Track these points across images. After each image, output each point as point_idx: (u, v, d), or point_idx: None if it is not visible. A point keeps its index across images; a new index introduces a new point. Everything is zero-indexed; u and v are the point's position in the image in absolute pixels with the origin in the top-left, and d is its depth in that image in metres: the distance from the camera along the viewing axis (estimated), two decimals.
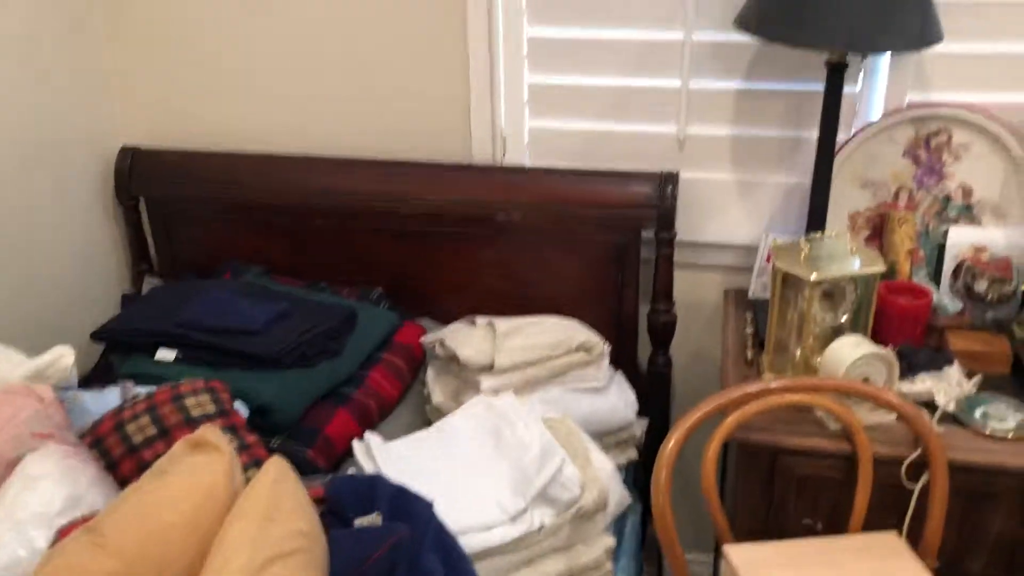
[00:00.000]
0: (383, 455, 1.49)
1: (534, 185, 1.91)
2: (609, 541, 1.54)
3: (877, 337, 1.64)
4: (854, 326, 1.57)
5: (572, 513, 1.45)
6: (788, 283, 1.53)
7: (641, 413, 1.90)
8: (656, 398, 1.99)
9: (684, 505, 2.19)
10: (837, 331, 1.56)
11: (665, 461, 1.39)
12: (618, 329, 1.97)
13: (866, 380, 1.47)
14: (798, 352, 1.56)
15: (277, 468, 1.15)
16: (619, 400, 1.79)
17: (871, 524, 1.47)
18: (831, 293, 1.53)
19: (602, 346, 1.75)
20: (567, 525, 1.47)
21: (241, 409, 1.51)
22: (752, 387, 1.44)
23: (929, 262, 1.80)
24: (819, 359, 1.51)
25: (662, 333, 1.96)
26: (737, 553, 1.34)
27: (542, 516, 1.44)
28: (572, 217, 1.90)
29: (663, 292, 1.93)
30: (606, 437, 1.79)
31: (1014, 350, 1.62)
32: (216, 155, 2.09)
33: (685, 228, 1.95)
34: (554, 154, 1.96)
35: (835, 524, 1.49)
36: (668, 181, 1.86)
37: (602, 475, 1.54)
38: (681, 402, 2.11)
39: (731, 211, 1.93)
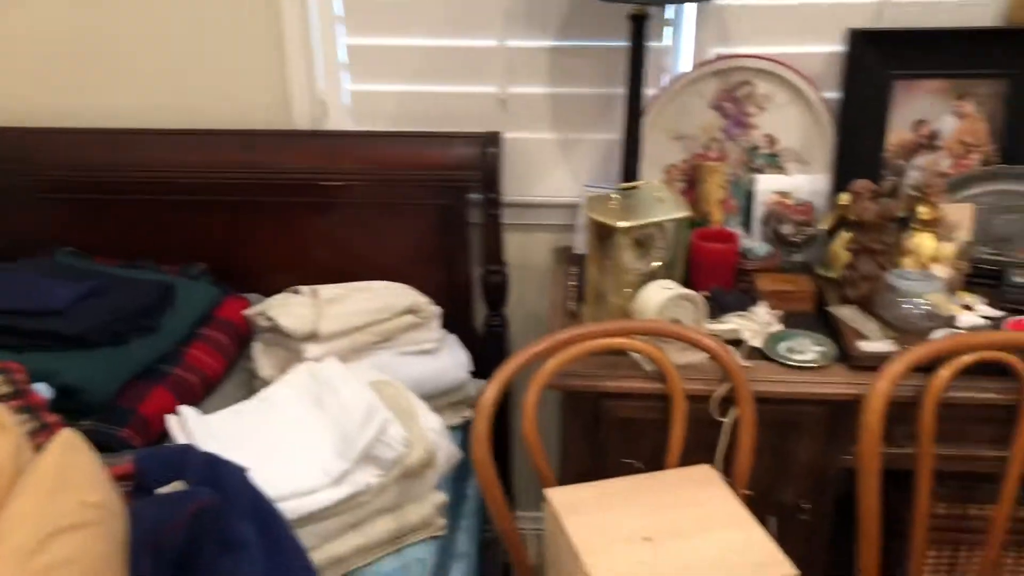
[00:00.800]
0: (199, 428, 1.44)
1: (357, 150, 1.89)
2: (440, 498, 1.55)
3: (691, 283, 1.71)
4: (668, 273, 1.62)
5: (398, 471, 1.45)
6: (601, 233, 1.57)
7: (479, 374, 1.91)
8: (492, 359, 2.00)
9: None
10: (651, 278, 1.60)
11: (484, 411, 1.40)
12: (451, 292, 1.97)
13: (676, 321, 1.52)
14: (615, 300, 1.60)
15: (65, 442, 1.10)
16: (451, 361, 1.79)
17: (689, 460, 1.53)
18: (642, 240, 1.58)
19: (431, 308, 1.75)
20: (394, 485, 1.46)
21: (42, 390, 1.43)
22: (566, 334, 1.46)
23: (741, 210, 1.88)
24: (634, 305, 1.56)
25: (495, 294, 1.97)
26: (557, 495, 1.36)
27: (367, 477, 1.43)
28: (398, 182, 1.88)
29: (493, 253, 1.94)
30: (440, 398, 1.79)
31: (817, 288, 1.71)
32: (21, 131, 1.96)
33: (513, 189, 1.97)
34: (377, 118, 1.94)
35: (656, 463, 1.54)
36: (491, 141, 1.87)
37: (430, 433, 1.53)
38: None
39: (555, 170, 1.96)
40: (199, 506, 1.10)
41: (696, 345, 1.49)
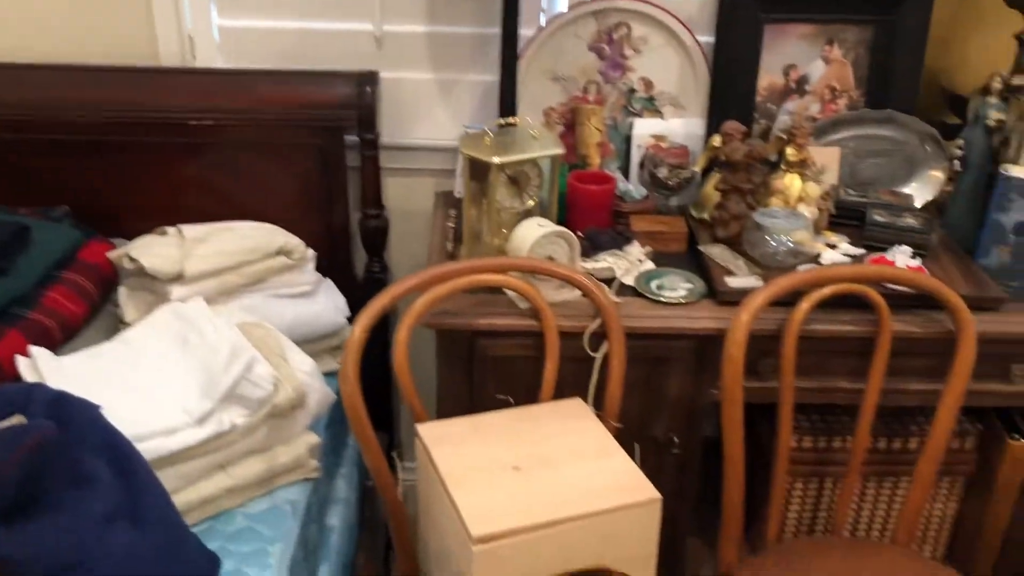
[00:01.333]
0: (52, 369, 1.38)
1: (227, 88, 1.82)
2: (312, 439, 1.52)
3: (568, 223, 1.71)
4: (542, 212, 1.62)
5: (266, 411, 1.42)
6: (476, 170, 1.56)
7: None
8: None
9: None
10: (526, 216, 1.60)
11: (351, 348, 1.38)
12: (331, 237, 1.93)
13: (550, 259, 1.52)
14: (491, 240, 1.59)
15: None
16: (327, 306, 1.76)
17: (563, 396, 1.54)
18: (517, 178, 1.57)
19: (303, 249, 1.71)
20: (263, 425, 1.43)
21: None
22: (439, 269, 1.45)
23: (620, 154, 1.90)
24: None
25: (374, 239, 1.94)
26: (427, 430, 1.36)
27: (233, 417, 1.39)
28: (271, 122, 1.82)
29: (372, 197, 1.91)
30: (317, 343, 1.76)
31: (690, 229, 1.74)
32: None
33: (392, 131, 1.94)
34: (250, 56, 1.87)
35: (531, 399, 1.55)
36: (367, 80, 1.83)
37: (300, 375, 1.50)
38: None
39: (435, 112, 1.93)
40: (38, 440, 1.05)
41: (569, 282, 1.50)
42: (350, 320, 1.83)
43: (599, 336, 1.50)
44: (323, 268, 1.84)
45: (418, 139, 1.95)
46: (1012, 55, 1.69)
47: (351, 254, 1.98)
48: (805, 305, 1.47)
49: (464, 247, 1.64)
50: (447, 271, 1.45)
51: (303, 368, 1.53)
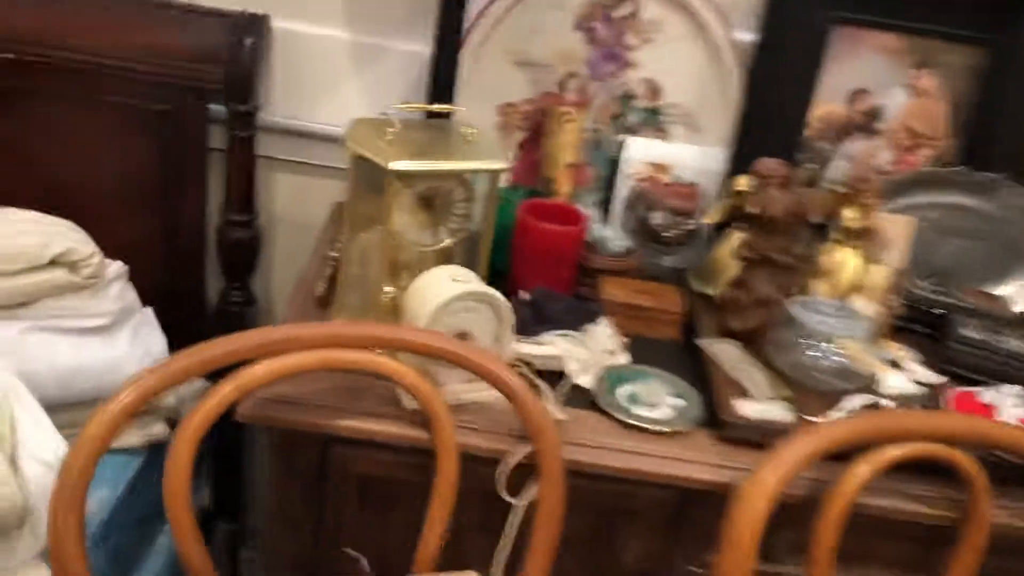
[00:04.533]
0: None
1: (36, 8, 1.23)
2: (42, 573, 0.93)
3: (510, 277, 1.15)
4: (467, 254, 1.05)
5: None
6: (368, 176, 0.98)
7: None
8: None
9: None
10: (442, 260, 1.03)
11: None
12: (170, 246, 1.35)
13: (463, 335, 0.95)
14: (382, 289, 1.02)
15: None
16: (133, 348, 1.17)
17: (459, 553, 0.97)
18: (430, 199, 1.00)
19: (98, 263, 1.12)
20: None
21: None
22: (272, 334, 0.86)
23: (600, 183, 1.33)
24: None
25: (237, 256, 1.36)
26: None
27: None
28: (92, 67, 1.23)
29: (239, 196, 1.33)
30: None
31: (689, 309, 1.18)
32: None
33: (286, 106, 1.36)
34: None
35: (408, 551, 0.96)
36: (248, 27, 1.25)
37: (31, 469, 0.92)
38: None
39: (349, 87, 1.35)
40: None
41: (485, 378, 0.92)
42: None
43: (526, 469, 0.93)
44: (156, 291, 1.26)
45: (320, 123, 1.37)
46: None
47: (203, 272, 1.39)
48: (864, 470, 0.90)
49: (338, 295, 1.06)
50: (286, 338, 0.87)
51: (41, 456, 0.94)
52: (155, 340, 1.20)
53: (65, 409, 1.08)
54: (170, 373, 0.83)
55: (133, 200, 1.31)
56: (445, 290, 0.93)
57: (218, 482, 1.50)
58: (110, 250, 1.21)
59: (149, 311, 1.23)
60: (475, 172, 0.97)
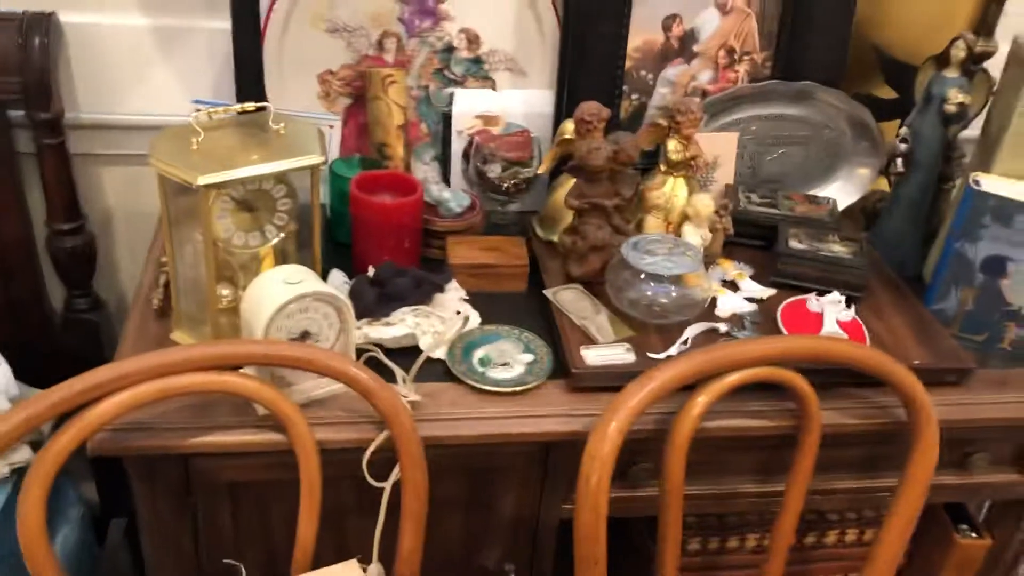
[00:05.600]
0: None
1: None
2: None
3: (355, 254, 1.15)
4: (300, 245, 1.04)
5: None
6: (181, 187, 0.95)
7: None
8: (81, 358, 1.35)
9: None
10: (276, 256, 1.02)
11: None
12: (3, 263, 1.29)
13: (305, 335, 0.95)
14: (217, 297, 1.00)
15: None
16: None
17: (346, 537, 1.01)
18: (250, 202, 0.98)
19: None
20: None
21: None
22: (102, 375, 0.85)
23: (435, 139, 1.32)
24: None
25: (72, 265, 1.31)
26: None
27: None
28: None
29: (61, 203, 1.27)
30: None
31: (533, 258, 1.20)
32: None
33: (96, 101, 1.30)
34: None
35: (289, 543, 0.99)
36: (36, 27, 1.17)
37: None
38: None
39: (158, 72, 1.29)
40: None
41: (331, 376, 0.93)
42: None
43: (389, 454, 0.95)
44: None
45: (136, 113, 1.31)
46: (975, 6, 1.21)
47: (41, 286, 1.34)
48: (701, 400, 0.96)
49: (174, 304, 1.04)
50: (116, 376, 0.85)
51: None
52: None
53: None
54: (13, 428, 0.82)
55: None
56: (278, 295, 0.92)
57: (101, 481, 1.49)
58: None
59: None
60: (292, 171, 0.95)
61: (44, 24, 1.18)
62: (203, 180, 0.90)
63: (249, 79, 1.16)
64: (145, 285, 1.12)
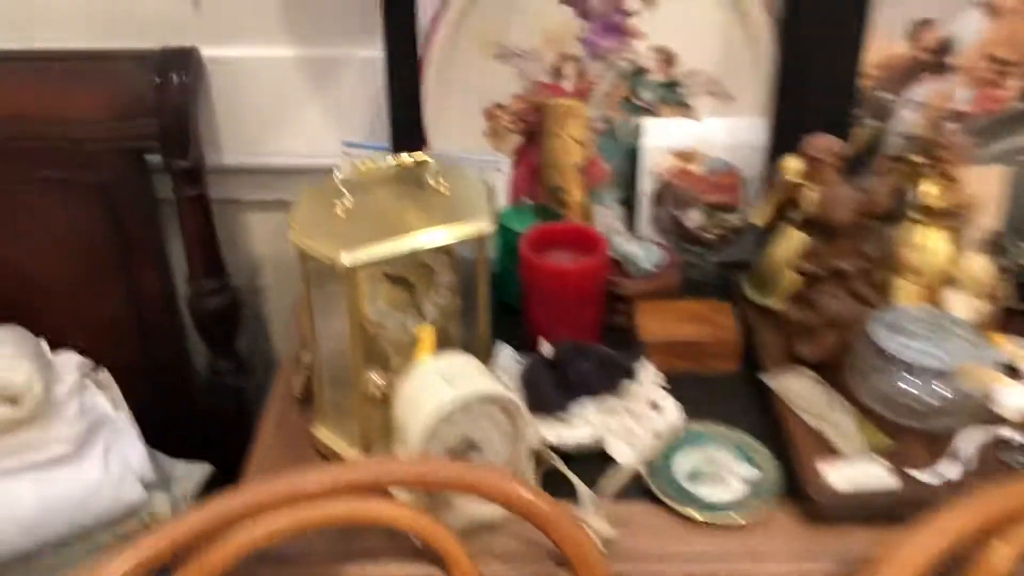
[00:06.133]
0: None
1: None
2: None
3: (527, 323, 0.95)
4: (468, 327, 0.85)
5: None
6: (319, 267, 0.78)
7: (208, 452, 1.14)
8: (225, 423, 1.23)
9: None
10: (433, 347, 0.84)
11: None
12: (141, 322, 1.17)
13: (471, 447, 0.76)
14: (367, 389, 0.83)
15: None
16: (108, 471, 1.00)
17: None
18: (405, 277, 0.80)
19: (39, 387, 0.95)
20: None
21: None
22: (222, 505, 0.69)
23: (620, 179, 1.11)
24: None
25: (215, 325, 1.18)
26: None
27: None
28: (18, 148, 1.05)
29: (202, 260, 1.15)
30: (97, 534, 1.02)
31: (745, 328, 0.97)
32: None
33: (240, 142, 1.16)
34: None
35: None
36: (175, 64, 1.05)
37: None
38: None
39: (305, 109, 1.14)
40: None
41: (499, 503, 0.74)
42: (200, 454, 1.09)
43: None
44: (134, 373, 1.11)
45: (282, 154, 1.17)
46: None
47: (183, 346, 1.22)
48: (1006, 553, 0.70)
49: (318, 396, 0.87)
50: (212, 521, 0.69)
51: None
52: (134, 453, 1.03)
53: (35, 558, 0.94)
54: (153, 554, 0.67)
55: (88, 279, 1.14)
56: (436, 398, 0.74)
57: None
58: (76, 335, 1.06)
59: (123, 416, 1.06)
60: (461, 244, 0.76)
61: (186, 58, 1.05)
62: (349, 259, 0.72)
63: (405, 115, 0.99)
64: (286, 364, 0.97)
